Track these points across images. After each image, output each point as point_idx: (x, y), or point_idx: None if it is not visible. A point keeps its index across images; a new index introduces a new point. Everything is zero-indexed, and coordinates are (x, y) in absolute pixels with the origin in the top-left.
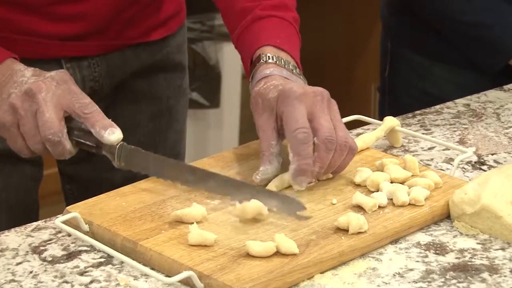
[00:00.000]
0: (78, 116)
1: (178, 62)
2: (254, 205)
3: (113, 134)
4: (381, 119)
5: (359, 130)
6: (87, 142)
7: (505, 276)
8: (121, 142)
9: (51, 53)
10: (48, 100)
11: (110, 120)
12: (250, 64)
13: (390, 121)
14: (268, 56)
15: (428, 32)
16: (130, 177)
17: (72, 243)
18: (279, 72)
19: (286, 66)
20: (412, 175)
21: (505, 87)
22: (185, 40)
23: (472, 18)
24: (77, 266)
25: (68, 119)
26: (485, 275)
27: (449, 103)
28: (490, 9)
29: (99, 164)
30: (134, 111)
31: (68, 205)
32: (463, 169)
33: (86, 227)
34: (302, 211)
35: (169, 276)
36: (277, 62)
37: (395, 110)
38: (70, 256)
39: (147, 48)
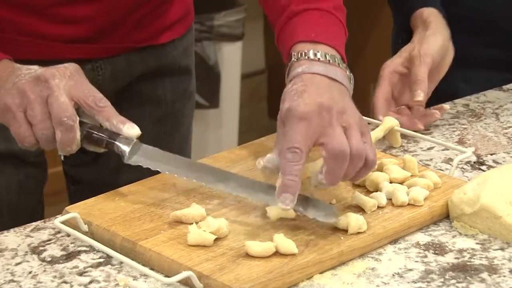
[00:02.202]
0: (90, 108)
1: (184, 66)
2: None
3: (132, 129)
4: None
5: None
6: (100, 134)
7: (504, 276)
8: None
9: (55, 55)
10: (61, 87)
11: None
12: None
13: (389, 121)
14: (300, 53)
15: None
16: (135, 180)
17: (71, 243)
18: (309, 68)
19: (321, 59)
20: (411, 175)
21: (504, 87)
22: (192, 43)
23: None
24: (76, 266)
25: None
26: (484, 275)
27: (449, 103)
28: None
29: (104, 166)
30: (139, 115)
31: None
32: (462, 169)
33: (85, 227)
34: (333, 214)
35: (168, 276)
36: (309, 57)
37: None
38: (69, 256)
39: (153, 51)
